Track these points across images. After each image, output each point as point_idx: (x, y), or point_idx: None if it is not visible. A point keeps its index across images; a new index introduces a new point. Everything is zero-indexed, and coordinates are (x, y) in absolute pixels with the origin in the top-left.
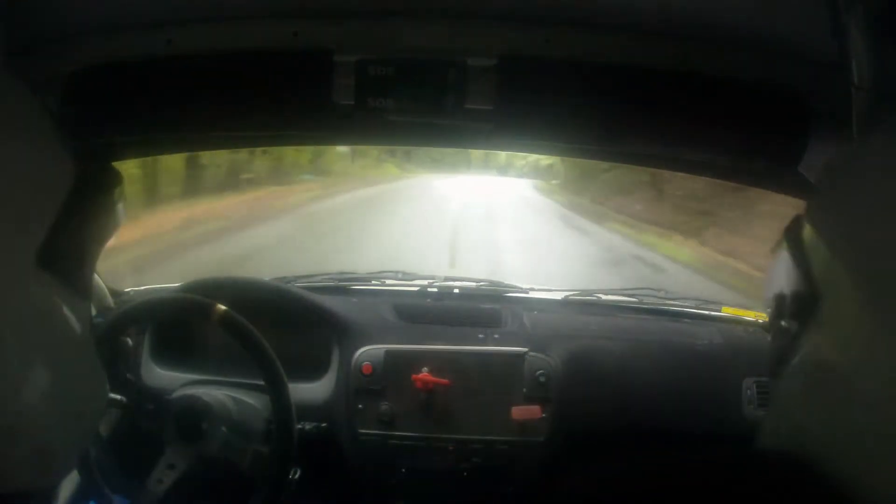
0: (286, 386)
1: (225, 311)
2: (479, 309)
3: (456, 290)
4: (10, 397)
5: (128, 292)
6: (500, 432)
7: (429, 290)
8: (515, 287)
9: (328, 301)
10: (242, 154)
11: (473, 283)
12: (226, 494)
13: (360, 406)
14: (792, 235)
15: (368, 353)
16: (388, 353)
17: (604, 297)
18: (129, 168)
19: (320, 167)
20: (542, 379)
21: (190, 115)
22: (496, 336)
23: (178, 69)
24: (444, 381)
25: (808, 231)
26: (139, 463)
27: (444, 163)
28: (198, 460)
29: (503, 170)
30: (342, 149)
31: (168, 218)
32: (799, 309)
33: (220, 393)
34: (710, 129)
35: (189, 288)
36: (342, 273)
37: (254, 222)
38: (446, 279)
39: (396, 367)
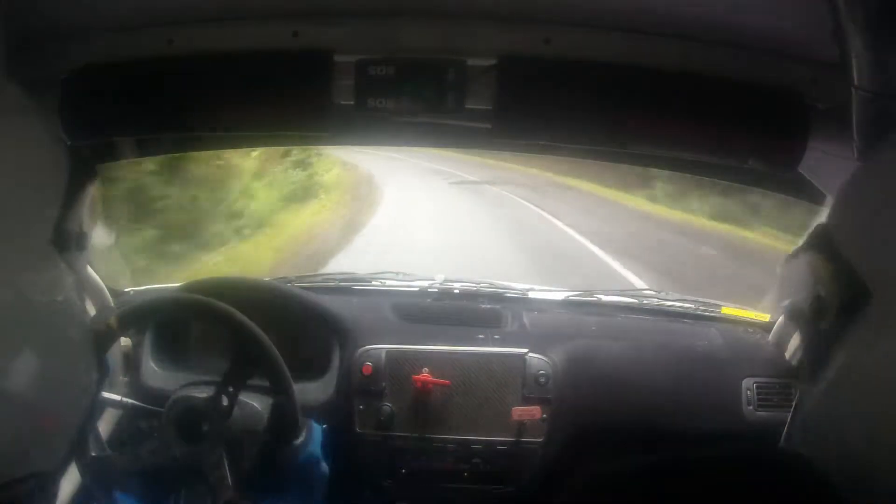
0: (268, 343)
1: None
2: (479, 309)
3: (456, 291)
4: (7, 383)
5: (128, 292)
6: (500, 433)
7: (429, 290)
8: (515, 287)
9: (328, 301)
10: None
11: (473, 284)
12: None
13: (360, 406)
14: (818, 240)
15: (369, 353)
16: (388, 353)
17: (604, 297)
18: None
19: None
20: (542, 379)
21: (190, 116)
22: (496, 336)
23: (178, 69)
24: (445, 381)
25: (836, 235)
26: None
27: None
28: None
29: None
30: None
31: None
32: (837, 314)
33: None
34: (711, 130)
35: (189, 288)
36: (342, 273)
37: None
38: (446, 279)
39: (397, 368)
